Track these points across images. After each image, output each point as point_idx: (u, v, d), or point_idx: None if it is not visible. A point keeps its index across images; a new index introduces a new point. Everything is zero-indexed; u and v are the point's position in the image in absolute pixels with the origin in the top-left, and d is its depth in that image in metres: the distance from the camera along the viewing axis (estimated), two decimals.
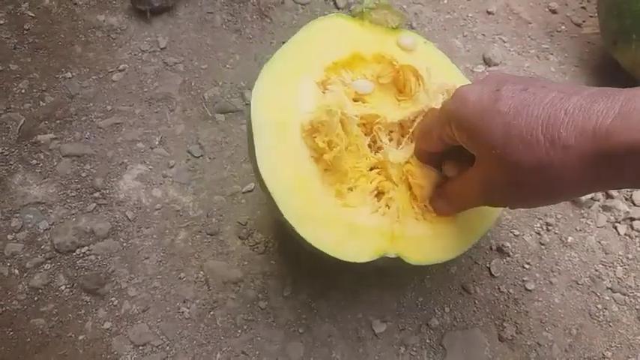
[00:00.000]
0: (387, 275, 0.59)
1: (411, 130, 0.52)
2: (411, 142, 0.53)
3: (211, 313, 0.56)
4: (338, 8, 0.80)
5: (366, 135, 0.52)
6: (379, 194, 0.51)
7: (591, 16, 0.83)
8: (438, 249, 0.50)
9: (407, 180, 0.51)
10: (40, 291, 0.57)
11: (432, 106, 0.51)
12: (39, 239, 0.59)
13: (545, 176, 0.37)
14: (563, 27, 0.82)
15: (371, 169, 0.51)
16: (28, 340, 0.54)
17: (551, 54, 0.79)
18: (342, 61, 0.54)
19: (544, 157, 0.36)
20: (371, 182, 0.51)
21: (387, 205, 0.50)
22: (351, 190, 0.50)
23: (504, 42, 0.79)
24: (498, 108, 0.38)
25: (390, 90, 0.55)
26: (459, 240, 0.51)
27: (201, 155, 0.67)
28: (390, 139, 0.53)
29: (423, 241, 0.49)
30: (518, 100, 0.37)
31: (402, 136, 0.53)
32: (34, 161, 0.64)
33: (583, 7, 0.85)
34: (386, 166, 0.51)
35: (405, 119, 0.52)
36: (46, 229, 0.60)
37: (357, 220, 0.48)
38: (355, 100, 0.53)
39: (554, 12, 0.84)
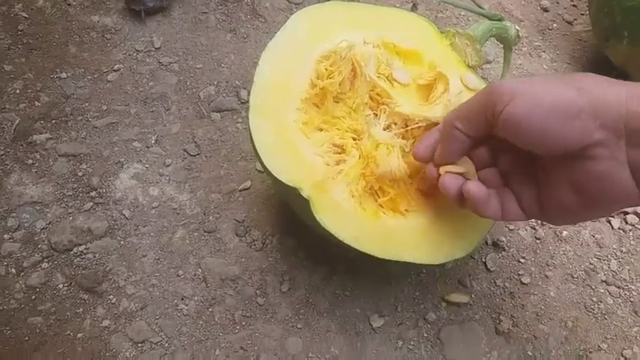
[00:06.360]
0: (384, 270, 0.59)
1: (409, 128, 0.53)
2: (402, 138, 0.53)
3: (210, 309, 0.56)
4: None
5: (370, 108, 0.54)
6: (341, 151, 0.52)
7: (582, 14, 0.84)
8: (347, 227, 0.49)
9: (373, 157, 0.52)
10: (38, 290, 0.56)
11: (438, 123, 0.51)
12: (36, 238, 0.59)
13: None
14: (554, 25, 0.83)
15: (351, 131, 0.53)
16: (26, 339, 0.54)
17: (544, 51, 0.80)
18: (404, 50, 0.56)
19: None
20: (340, 137, 0.52)
21: (336, 162, 0.51)
22: (320, 131, 0.53)
23: (497, 40, 0.80)
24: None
25: (421, 93, 0.56)
26: (368, 241, 0.49)
27: (198, 154, 0.67)
28: (387, 125, 0.54)
29: (340, 212, 0.49)
30: None
31: (399, 129, 0.54)
32: (30, 161, 0.64)
33: (574, 5, 0.86)
34: (363, 136, 0.52)
35: (413, 118, 0.53)
36: (43, 229, 0.60)
37: (300, 148, 0.50)
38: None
39: (545, 10, 0.85)
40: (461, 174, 0.45)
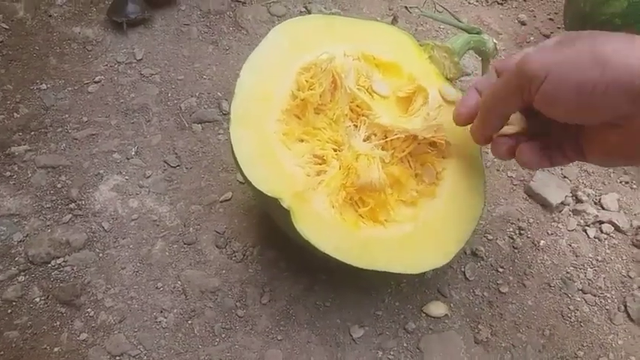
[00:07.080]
0: (364, 280, 0.59)
1: (389, 139, 0.53)
2: (382, 149, 0.54)
3: (189, 322, 0.56)
4: None
5: (351, 120, 0.55)
6: (322, 162, 0.53)
7: (559, 28, 0.86)
8: (327, 237, 0.49)
9: (354, 168, 0.52)
10: (14, 303, 0.56)
11: (417, 135, 0.53)
12: (12, 251, 0.59)
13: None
14: (532, 38, 0.85)
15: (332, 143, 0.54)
16: (2, 353, 0.53)
17: None
18: (384, 63, 0.57)
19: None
20: (321, 148, 0.53)
21: (317, 173, 0.52)
22: (300, 142, 0.53)
23: (475, 52, 0.81)
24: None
25: (401, 105, 0.57)
26: (349, 251, 0.50)
27: (178, 165, 0.67)
28: (367, 136, 0.54)
29: (321, 223, 0.50)
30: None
31: (378, 140, 0.54)
32: (8, 173, 0.64)
33: (551, 19, 0.87)
34: (344, 147, 0.53)
35: (392, 130, 0.53)
36: (20, 241, 0.59)
37: (281, 159, 0.51)
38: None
39: (523, 24, 0.86)
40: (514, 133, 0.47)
